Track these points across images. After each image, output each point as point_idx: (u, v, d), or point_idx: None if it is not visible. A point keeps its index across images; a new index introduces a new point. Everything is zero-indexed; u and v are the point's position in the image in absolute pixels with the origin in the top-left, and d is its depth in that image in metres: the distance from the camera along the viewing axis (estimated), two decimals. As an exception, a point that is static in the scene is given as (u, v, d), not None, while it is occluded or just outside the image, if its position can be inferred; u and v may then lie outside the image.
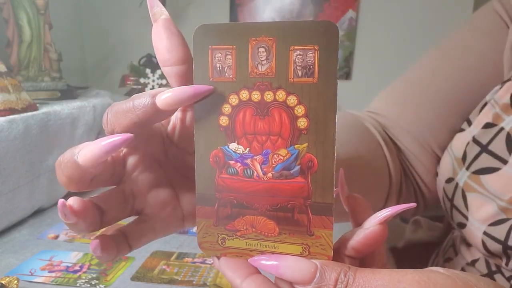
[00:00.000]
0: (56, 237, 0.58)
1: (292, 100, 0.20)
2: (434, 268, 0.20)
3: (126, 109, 0.21)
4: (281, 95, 0.20)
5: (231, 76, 0.21)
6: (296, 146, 0.21)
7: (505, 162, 0.38)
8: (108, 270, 0.48)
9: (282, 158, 0.21)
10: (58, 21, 0.89)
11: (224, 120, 0.21)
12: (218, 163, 0.22)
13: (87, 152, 0.20)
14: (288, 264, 0.20)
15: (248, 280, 0.21)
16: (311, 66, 0.20)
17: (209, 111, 0.21)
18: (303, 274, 0.20)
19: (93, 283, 0.45)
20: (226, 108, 0.21)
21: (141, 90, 1.10)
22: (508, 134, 0.38)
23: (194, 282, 0.45)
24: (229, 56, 0.21)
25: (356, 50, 1.44)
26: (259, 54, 0.20)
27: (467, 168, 0.41)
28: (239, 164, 0.21)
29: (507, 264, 0.38)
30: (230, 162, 0.22)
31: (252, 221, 0.22)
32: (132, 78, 1.10)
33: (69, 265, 0.49)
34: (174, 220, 0.26)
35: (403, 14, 1.38)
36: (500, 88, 0.41)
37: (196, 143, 0.22)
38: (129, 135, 0.20)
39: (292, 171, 0.21)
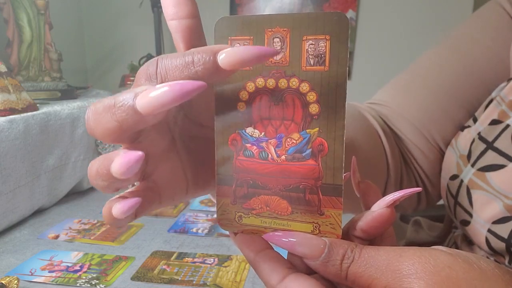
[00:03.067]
0: (56, 237, 0.58)
1: (304, 87, 0.22)
2: (436, 246, 0.21)
3: (184, 63, 0.19)
4: (294, 82, 0.22)
5: None
6: (308, 130, 0.22)
7: (511, 159, 0.38)
8: (108, 270, 0.48)
9: (294, 141, 0.22)
10: (58, 21, 0.89)
11: (241, 106, 0.23)
12: (235, 146, 0.23)
13: (152, 98, 0.18)
14: (299, 240, 0.22)
15: (261, 254, 0.23)
16: (322, 55, 0.21)
17: (228, 98, 0.23)
18: (313, 249, 0.21)
19: (93, 283, 0.45)
20: (244, 95, 0.23)
21: (141, 90, 1.10)
22: None
23: (194, 282, 0.45)
24: None
25: (356, 50, 1.44)
26: (274, 44, 0.21)
27: (472, 165, 0.41)
28: (255, 147, 0.23)
29: (510, 262, 0.38)
30: (246, 145, 0.23)
31: (267, 201, 0.23)
32: (132, 78, 1.10)
33: (69, 265, 0.49)
34: (178, 189, 0.26)
35: (403, 14, 1.38)
36: (506, 85, 0.41)
37: (216, 127, 0.23)
38: (203, 83, 0.18)
39: (304, 154, 0.22)
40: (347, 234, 0.24)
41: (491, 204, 0.38)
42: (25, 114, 0.62)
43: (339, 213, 0.22)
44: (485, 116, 0.42)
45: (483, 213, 0.39)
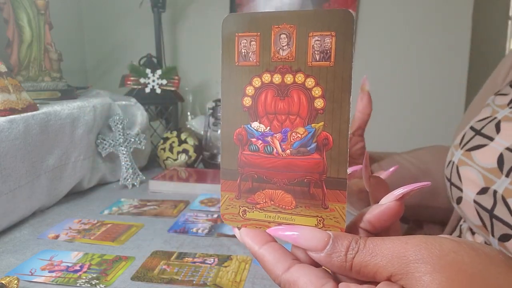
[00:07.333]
0: (56, 237, 0.58)
1: (310, 82, 0.22)
2: (441, 235, 0.21)
3: None
4: (300, 77, 0.22)
5: (255, 60, 0.23)
6: (313, 125, 0.22)
7: (492, 139, 0.42)
8: (108, 270, 0.48)
9: (300, 136, 0.23)
10: (58, 21, 0.89)
11: (247, 101, 0.23)
12: (241, 140, 0.24)
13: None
14: (303, 233, 0.22)
15: (265, 247, 0.23)
16: (328, 51, 0.21)
17: (235, 93, 0.23)
18: (317, 242, 0.22)
19: (93, 283, 0.45)
20: (250, 90, 0.23)
21: (141, 90, 1.10)
22: (499, 121, 0.43)
23: (194, 282, 0.46)
24: (253, 42, 0.22)
25: (355, 50, 1.44)
26: (280, 40, 0.22)
27: (462, 148, 0.46)
28: (260, 142, 0.23)
29: (492, 234, 0.41)
30: (252, 139, 0.24)
31: (271, 195, 0.24)
32: (132, 78, 1.10)
33: (69, 265, 0.49)
34: None
35: (403, 14, 1.37)
36: (495, 96, 0.49)
37: (222, 122, 0.24)
38: None
39: (309, 148, 0.23)
40: (354, 226, 0.24)
41: (473, 177, 0.42)
42: (25, 114, 0.62)
43: (343, 206, 0.22)
44: (479, 116, 0.48)
45: (469, 185, 0.43)
